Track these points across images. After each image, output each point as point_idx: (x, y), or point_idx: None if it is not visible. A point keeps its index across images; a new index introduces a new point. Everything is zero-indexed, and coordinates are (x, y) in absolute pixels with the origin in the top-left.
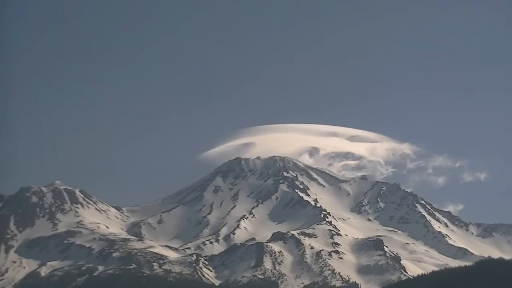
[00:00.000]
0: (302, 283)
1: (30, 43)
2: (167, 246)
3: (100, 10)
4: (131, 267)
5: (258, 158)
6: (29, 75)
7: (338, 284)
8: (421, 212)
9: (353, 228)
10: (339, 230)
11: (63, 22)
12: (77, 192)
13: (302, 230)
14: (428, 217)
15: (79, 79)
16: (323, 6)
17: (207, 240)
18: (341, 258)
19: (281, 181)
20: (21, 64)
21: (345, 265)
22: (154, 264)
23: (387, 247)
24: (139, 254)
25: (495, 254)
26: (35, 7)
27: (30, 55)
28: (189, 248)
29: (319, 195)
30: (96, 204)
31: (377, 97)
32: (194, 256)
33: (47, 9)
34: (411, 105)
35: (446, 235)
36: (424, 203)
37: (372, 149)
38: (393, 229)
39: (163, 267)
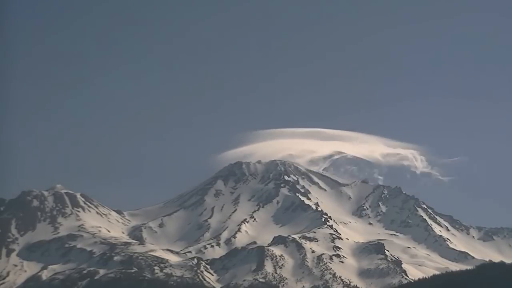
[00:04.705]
0: (303, 286)
1: (31, 43)
2: (168, 249)
3: (107, 9)
4: (132, 270)
5: (259, 162)
6: (30, 77)
7: (339, 287)
8: (422, 216)
9: (354, 232)
10: (340, 234)
11: (63, 21)
12: (78, 196)
13: (303, 234)
14: (429, 221)
15: (81, 81)
16: (330, 12)
17: (208, 244)
18: (342, 262)
19: (282, 185)
20: (22, 66)
21: (346, 268)
22: (155, 267)
23: (388, 251)
24: (140, 257)
25: (496, 258)
26: (35, 7)
27: (30, 56)
28: (190, 251)
29: (320, 199)
30: (97, 208)
31: (382, 102)
32: (195, 260)
33: (48, 9)
34: (413, 109)
35: (447, 239)
36: (426, 207)
37: (377, 152)
38: (394, 233)
39: (164, 270)
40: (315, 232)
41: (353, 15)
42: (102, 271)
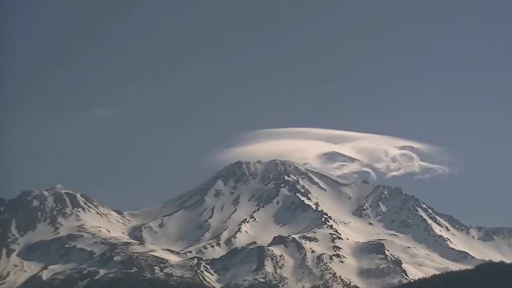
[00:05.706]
0: (303, 286)
1: (31, 43)
2: (168, 249)
3: (111, 10)
4: (133, 270)
5: (259, 161)
6: (30, 77)
7: (339, 287)
8: (422, 216)
9: (354, 231)
10: (340, 234)
11: (63, 21)
12: (78, 196)
13: (303, 233)
14: (429, 221)
15: (80, 81)
16: (331, 12)
17: (208, 244)
18: (342, 261)
19: (282, 185)
20: (22, 66)
21: (346, 268)
22: (156, 267)
23: (388, 250)
24: (140, 257)
25: (496, 257)
26: (36, 8)
27: (31, 56)
28: (190, 251)
29: (320, 198)
30: (97, 208)
31: (381, 101)
32: (195, 260)
33: (48, 9)
34: (413, 107)
35: (447, 238)
36: (426, 206)
37: (377, 152)
38: (394, 233)
39: (164, 270)
40: (315, 232)
41: (352, 16)
42: (102, 271)
